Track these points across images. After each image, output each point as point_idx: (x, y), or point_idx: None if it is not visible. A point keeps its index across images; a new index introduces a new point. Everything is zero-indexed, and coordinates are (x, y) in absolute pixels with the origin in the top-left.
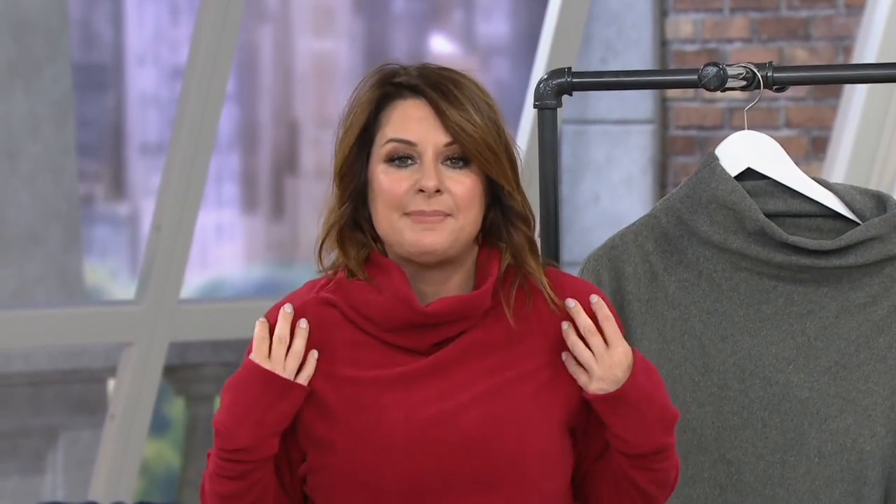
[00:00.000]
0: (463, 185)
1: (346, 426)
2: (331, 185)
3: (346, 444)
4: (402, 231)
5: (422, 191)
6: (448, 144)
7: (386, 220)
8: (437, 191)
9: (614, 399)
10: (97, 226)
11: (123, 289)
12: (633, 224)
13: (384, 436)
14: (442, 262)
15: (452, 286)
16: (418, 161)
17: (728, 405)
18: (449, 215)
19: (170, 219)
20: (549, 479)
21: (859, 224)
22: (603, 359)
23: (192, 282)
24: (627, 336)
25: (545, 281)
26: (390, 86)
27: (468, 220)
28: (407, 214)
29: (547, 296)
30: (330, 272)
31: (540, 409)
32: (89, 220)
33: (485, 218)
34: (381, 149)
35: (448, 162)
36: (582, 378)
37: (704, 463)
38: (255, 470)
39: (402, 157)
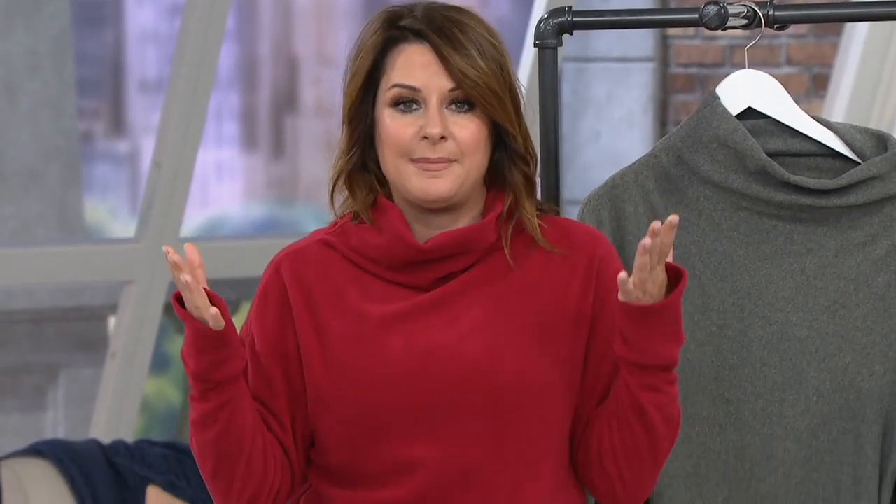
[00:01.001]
0: (468, 130)
1: (348, 358)
2: (340, 127)
3: (347, 377)
4: (408, 177)
5: (426, 137)
6: (452, 90)
7: (392, 165)
8: (442, 137)
9: (660, 308)
10: (97, 163)
11: (123, 226)
12: (634, 163)
13: (385, 368)
14: (450, 207)
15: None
16: (423, 106)
17: (727, 344)
18: (454, 161)
19: (170, 156)
20: (549, 409)
21: (859, 163)
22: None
23: (192, 220)
24: None
25: (535, 222)
26: (395, 29)
27: (473, 164)
28: (413, 161)
29: (536, 237)
30: (338, 218)
31: (542, 339)
32: (89, 157)
33: (491, 159)
34: (386, 93)
35: (453, 106)
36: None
37: (703, 402)
38: (214, 390)
39: (406, 102)
